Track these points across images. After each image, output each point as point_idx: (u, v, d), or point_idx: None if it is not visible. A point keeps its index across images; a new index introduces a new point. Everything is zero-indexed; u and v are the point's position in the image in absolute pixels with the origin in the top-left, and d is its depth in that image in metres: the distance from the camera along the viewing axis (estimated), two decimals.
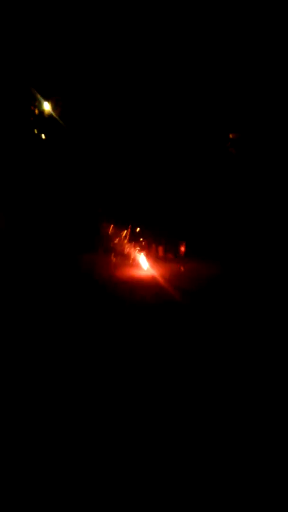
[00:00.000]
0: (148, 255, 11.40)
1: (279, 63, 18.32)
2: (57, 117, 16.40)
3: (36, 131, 16.46)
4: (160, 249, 12.08)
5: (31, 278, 9.16)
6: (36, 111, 17.88)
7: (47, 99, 18.83)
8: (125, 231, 11.66)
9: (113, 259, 10.96)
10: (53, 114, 17.12)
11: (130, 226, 11.83)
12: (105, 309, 7.91)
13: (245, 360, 6.01)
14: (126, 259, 11.18)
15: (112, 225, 11.56)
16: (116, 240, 11.32)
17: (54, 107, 17.47)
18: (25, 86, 18.42)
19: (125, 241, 11.36)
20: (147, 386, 5.15)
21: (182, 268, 11.02)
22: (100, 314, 7.64)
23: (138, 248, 11.46)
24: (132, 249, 11.33)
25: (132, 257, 11.19)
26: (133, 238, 11.62)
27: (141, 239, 12.06)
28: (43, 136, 16.45)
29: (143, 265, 10.85)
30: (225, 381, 5.21)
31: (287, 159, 14.75)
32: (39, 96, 17.83)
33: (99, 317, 7.50)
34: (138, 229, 12.06)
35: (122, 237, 11.41)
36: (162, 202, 12.84)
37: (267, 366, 5.73)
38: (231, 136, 17.74)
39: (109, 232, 11.50)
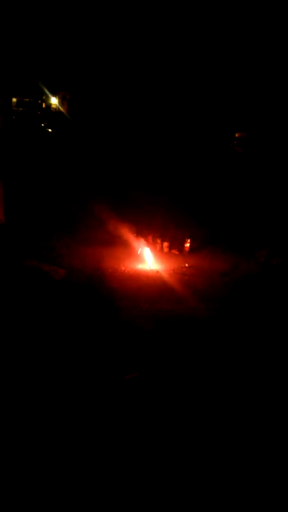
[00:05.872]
0: (153, 251, 11.34)
1: (284, 64, 18.23)
2: (64, 111, 16.32)
3: (43, 125, 16.43)
4: (165, 244, 12.02)
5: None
6: (44, 105, 17.84)
7: (54, 94, 18.84)
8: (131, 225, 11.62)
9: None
10: (60, 108, 17.07)
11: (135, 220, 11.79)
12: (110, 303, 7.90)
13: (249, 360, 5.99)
14: (131, 253, 11.12)
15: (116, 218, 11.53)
16: (121, 234, 11.28)
17: (61, 102, 17.43)
18: (34, 81, 18.42)
19: (131, 235, 11.31)
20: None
21: (187, 264, 10.96)
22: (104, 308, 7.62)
23: (144, 243, 11.40)
24: (137, 243, 11.27)
25: (137, 251, 11.13)
26: (139, 233, 11.56)
27: (147, 234, 12.01)
28: (49, 130, 16.42)
29: (148, 260, 10.79)
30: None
31: None
32: (46, 91, 17.80)
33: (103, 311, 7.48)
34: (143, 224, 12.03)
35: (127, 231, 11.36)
36: (168, 197, 12.83)
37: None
38: (237, 135, 17.73)
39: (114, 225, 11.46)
